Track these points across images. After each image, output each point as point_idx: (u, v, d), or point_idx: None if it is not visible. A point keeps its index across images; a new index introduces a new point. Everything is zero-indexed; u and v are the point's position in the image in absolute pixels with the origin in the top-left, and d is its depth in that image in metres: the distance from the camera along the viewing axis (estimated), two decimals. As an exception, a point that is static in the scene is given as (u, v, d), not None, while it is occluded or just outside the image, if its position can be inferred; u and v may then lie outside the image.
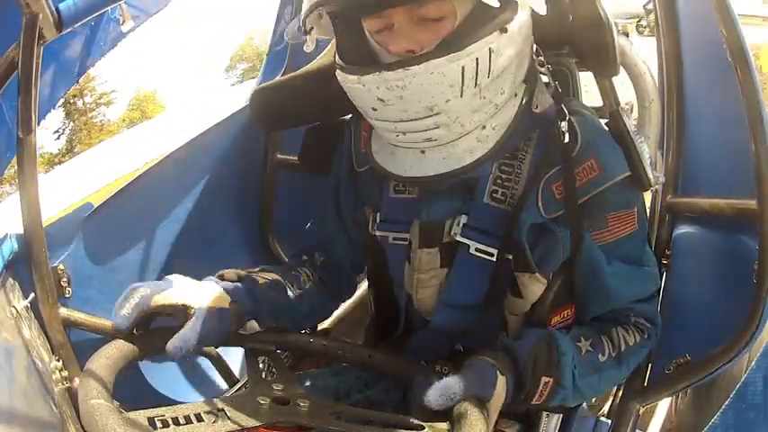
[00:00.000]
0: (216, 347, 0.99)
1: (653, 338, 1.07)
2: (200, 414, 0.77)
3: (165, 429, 0.74)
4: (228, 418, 0.78)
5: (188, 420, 0.76)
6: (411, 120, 0.89)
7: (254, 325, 1.04)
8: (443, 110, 0.87)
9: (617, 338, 1.00)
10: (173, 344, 0.87)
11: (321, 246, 1.24)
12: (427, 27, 0.88)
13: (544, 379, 0.93)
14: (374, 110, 0.91)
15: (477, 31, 0.85)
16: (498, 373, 0.88)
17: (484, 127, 0.94)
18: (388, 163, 1.01)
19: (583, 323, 1.07)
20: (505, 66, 0.90)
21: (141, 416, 0.75)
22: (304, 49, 1.00)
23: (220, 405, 0.80)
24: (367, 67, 0.88)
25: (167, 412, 0.76)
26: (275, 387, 0.89)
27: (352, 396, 1.15)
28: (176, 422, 0.75)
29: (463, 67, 0.84)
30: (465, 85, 0.86)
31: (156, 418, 0.75)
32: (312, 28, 0.97)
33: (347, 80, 0.92)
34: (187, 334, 0.88)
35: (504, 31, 0.86)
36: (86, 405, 0.72)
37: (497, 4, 0.84)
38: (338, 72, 0.94)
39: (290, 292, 1.09)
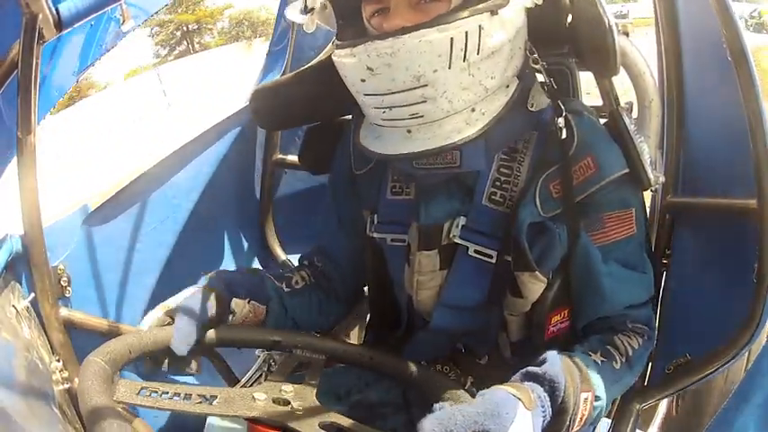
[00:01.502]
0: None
1: (652, 340, 1.06)
2: (190, 395, 0.78)
3: (148, 397, 0.75)
4: (215, 405, 0.78)
5: (176, 395, 0.77)
6: (399, 91, 0.89)
7: (239, 303, 1.04)
8: (430, 81, 0.88)
9: (622, 346, 0.99)
10: (176, 343, 0.89)
11: (321, 251, 1.25)
12: (421, 9, 0.90)
13: (583, 395, 0.86)
14: (363, 81, 0.91)
15: (467, 10, 0.87)
16: (521, 406, 0.77)
17: (473, 110, 0.93)
18: (374, 145, 1.00)
19: (577, 332, 1.06)
20: (496, 48, 0.90)
21: (133, 384, 0.76)
22: (304, 29, 1.02)
23: (215, 393, 0.80)
24: (359, 39, 0.90)
25: (161, 387, 0.77)
26: (285, 389, 0.88)
27: (353, 395, 1.15)
28: (164, 394, 0.76)
29: (452, 39, 0.85)
30: (453, 56, 0.86)
31: (148, 388, 0.76)
32: (312, 9, 0.99)
33: (340, 56, 0.93)
34: (183, 329, 0.90)
35: (494, 13, 0.88)
36: (86, 362, 0.74)
37: None
38: (333, 53, 0.95)
39: (275, 284, 1.13)
